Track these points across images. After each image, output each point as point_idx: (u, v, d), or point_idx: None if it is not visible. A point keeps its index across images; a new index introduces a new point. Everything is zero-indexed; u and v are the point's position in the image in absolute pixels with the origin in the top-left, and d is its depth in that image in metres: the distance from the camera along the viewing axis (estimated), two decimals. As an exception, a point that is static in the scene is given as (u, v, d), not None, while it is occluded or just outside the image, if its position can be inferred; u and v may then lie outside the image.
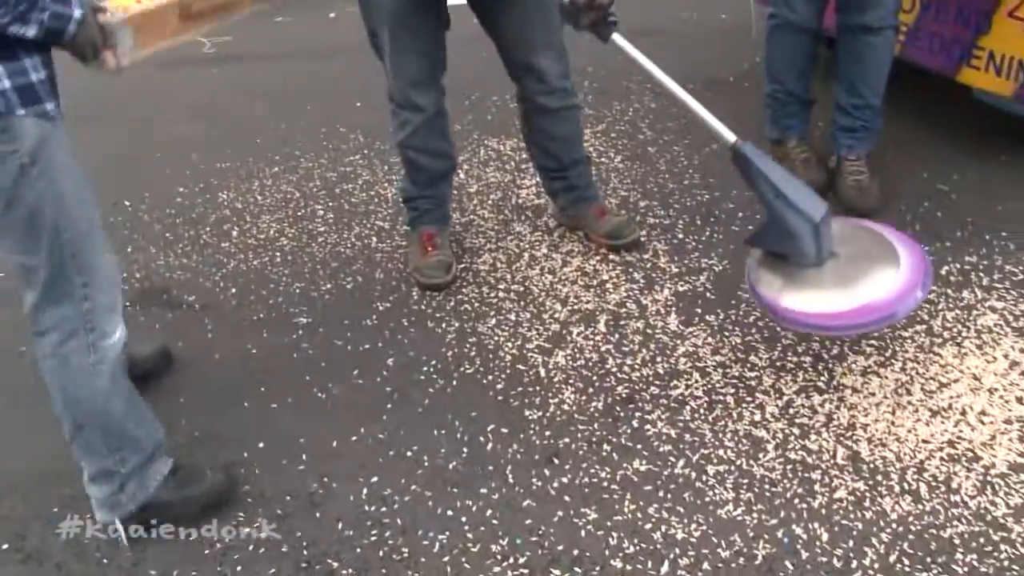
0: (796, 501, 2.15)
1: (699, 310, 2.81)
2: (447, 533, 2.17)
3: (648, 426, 2.41)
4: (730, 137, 2.47)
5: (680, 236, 3.17)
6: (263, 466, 2.42)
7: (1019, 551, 1.97)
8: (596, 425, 2.43)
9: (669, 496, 2.20)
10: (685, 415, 2.43)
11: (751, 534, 2.08)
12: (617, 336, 2.74)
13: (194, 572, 2.14)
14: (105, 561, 2.19)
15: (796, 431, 2.34)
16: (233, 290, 3.18)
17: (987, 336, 2.57)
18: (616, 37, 2.50)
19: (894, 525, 2.06)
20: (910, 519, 2.07)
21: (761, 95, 3.44)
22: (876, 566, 1.97)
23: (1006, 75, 3.11)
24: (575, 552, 2.09)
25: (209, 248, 3.44)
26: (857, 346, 2.58)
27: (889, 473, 2.19)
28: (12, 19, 1.69)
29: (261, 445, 2.49)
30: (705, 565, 2.02)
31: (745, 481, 2.22)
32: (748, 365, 2.57)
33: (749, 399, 2.45)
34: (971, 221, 3.06)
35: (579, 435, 2.41)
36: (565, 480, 2.28)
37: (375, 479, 2.34)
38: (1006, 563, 1.95)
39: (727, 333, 2.70)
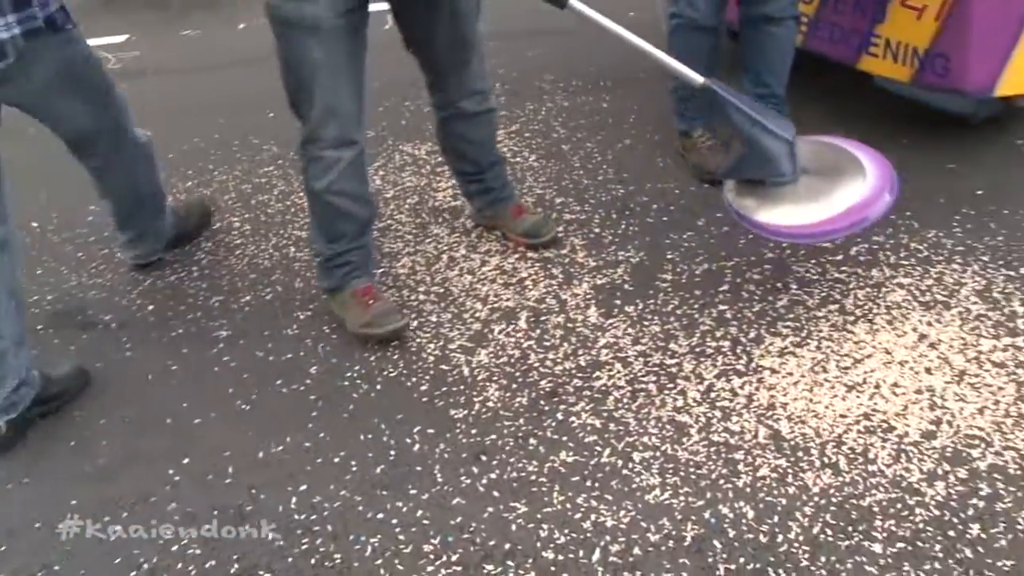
0: (721, 482, 2.19)
1: (618, 302, 2.85)
2: (379, 536, 2.17)
3: (573, 418, 2.43)
4: (698, 79, 2.58)
5: (597, 230, 3.21)
6: (190, 481, 2.39)
7: (933, 513, 2.04)
8: (522, 420, 2.45)
9: (597, 485, 2.23)
10: (609, 405, 2.46)
11: (679, 517, 2.12)
12: (538, 332, 2.77)
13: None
14: None
15: (718, 414, 2.38)
16: (150, 307, 3.13)
17: (896, 312, 2.65)
18: (573, 1, 2.51)
19: (816, 498, 2.11)
20: (831, 491, 2.13)
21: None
22: (801, 539, 2.02)
23: (903, 61, 3.20)
24: (507, 546, 2.10)
25: (124, 266, 3.37)
26: (774, 328, 2.64)
27: (809, 449, 2.24)
28: None
29: (186, 461, 2.46)
30: (636, 550, 2.05)
31: (671, 466, 2.25)
32: (668, 353, 2.61)
33: (671, 386, 2.49)
34: (877, 201, 3.14)
35: (505, 431, 2.42)
36: (493, 476, 2.29)
37: (303, 487, 2.33)
38: (921, 525, 2.01)
39: (646, 323, 2.74)
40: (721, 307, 2.75)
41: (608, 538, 2.08)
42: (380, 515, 2.22)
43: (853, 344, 2.55)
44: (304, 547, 2.16)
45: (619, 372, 2.56)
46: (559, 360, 2.64)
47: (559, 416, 2.44)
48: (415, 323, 2.86)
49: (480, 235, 3.26)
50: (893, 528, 2.01)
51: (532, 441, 2.38)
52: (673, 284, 2.88)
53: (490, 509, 2.20)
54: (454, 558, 2.09)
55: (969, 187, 3.16)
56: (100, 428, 2.61)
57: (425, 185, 3.66)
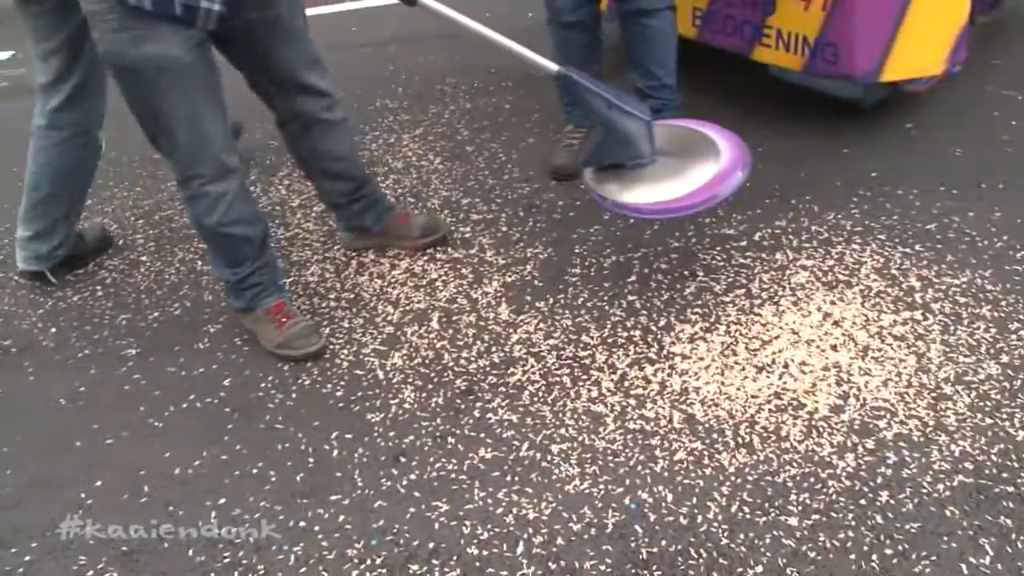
0: (639, 468, 2.22)
1: (528, 298, 2.87)
2: (301, 544, 2.15)
3: (490, 414, 2.44)
4: (553, 68, 2.63)
5: (504, 229, 3.23)
6: (104, 504, 2.33)
7: (844, 484, 2.10)
8: (439, 420, 2.45)
9: (517, 479, 2.24)
10: (524, 400, 2.47)
11: (599, 505, 2.14)
12: (451, 331, 2.77)
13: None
14: None
15: (632, 402, 2.41)
16: (53, 329, 3.04)
17: (801, 293, 2.72)
18: None
19: (733, 478, 2.16)
20: (747, 470, 2.17)
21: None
22: (720, 518, 2.06)
23: (794, 51, 3.29)
24: (431, 545, 2.10)
25: (23, 288, 3.28)
26: (683, 315, 2.69)
27: (723, 430, 2.29)
28: None
29: (99, 484, 2.40)
30: (559, 540, 2.07)
31: (588, 456, 2.28)
32: (581, 345, 2.64)
33: (585, 377, 2.52)
34: (778, 188, 3.22)
35: (423, 431, 2.42)
36: (414, 477, 2.29)
37: (222, 501, 2.29)
38: (834, 496, 2.08)
39: (558, 317, 2.76)
40: (630, 297, 2.79)
41: (531, 531, 2.10)
42: (302, 523, 2.20)
43: (760, 327, 2.61)
44: (226, 561, 2.13)
45: (533, 367, 2.58)
46: (473, 358, 2.65)
47: (476, 413, 2.45)
48: (327, 330, 2.84)
49: (390, 239, 3.25)
50: (808, 501, 2.07)
51: (450, 440, 2.38)
52: (582, 278, 2.92)
53: (412, 510, 2.19)
54: (378, 561, 2.08)
55: (864, 170, 3.26)
56: (3, 458, 2.54)
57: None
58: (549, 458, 2.28)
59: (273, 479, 2.34)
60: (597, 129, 2.70)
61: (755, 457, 2.20)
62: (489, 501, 2.19)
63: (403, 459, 2.34)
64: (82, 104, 3.01)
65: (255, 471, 2.37)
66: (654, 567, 1.98)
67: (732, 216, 3.09)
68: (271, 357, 2.75)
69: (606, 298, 2.80)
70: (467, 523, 2.14)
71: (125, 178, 3.99)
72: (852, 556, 1.95)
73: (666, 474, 2.20)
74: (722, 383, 2.43)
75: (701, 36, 3.57)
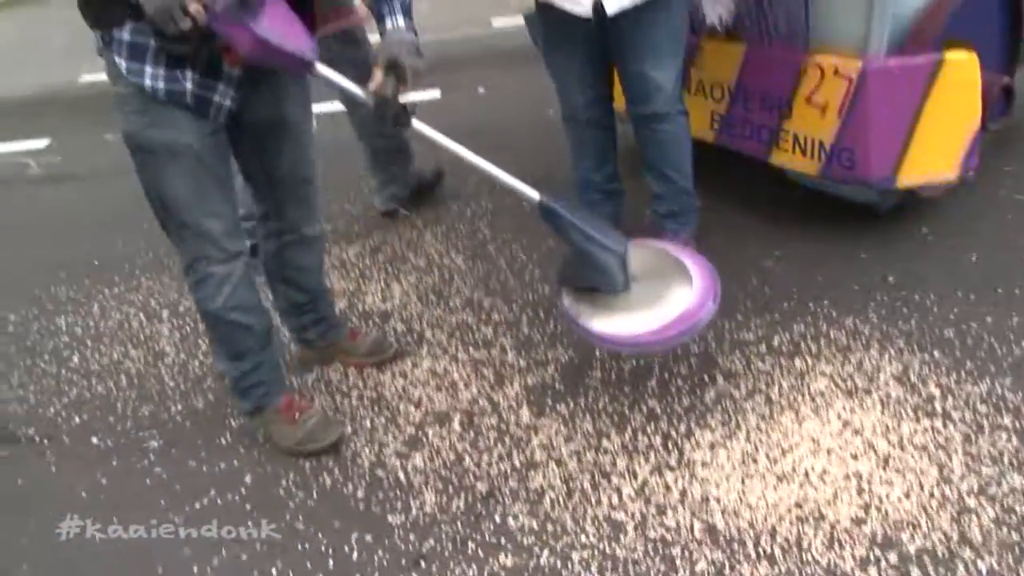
0: (659, 578, 2.22)
1: (550, 400, 2.88)
2: (319, 650, 2.14)
3: (510, 519, 2.44)
4: (535, 196, 2.65)
5: (526, 331, 3.26)
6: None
7: (867, 602, 2.09)
8: (459, 524, 2.45)
9: (537, 587, 2.24)
10: (545, 505, 2.48)
11: (620, 616, 2.13)
12: (472, 434, 2.79)
13: None
14: None
15: (653, 510, 2.41)
16: (77, 420, 3.08)
17: (820, 400, 2.73)
18: (416, 123, 2.55)
19: (753, 591, 2.15)
20: (768, 583, 2.17)
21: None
22: (740, 633, 2.05)
23: (810, 155, 3.35)
24: (450, 654, 2.09)
25: (48, 377, 3.32)
26: (703, 421, 2.70)
27: (744, 540, 2.28)
28: None
29: (117, 578, 2.41)
30: (578, 652, 2.06)
31: (609, 564, 2.27)
32: (601, 450, 2.64)
33: (605, 483, 2.52)
34: (796, 292, 3.25)
35: (443, 535, 2.42)
36: (434, 582, 2.29)
37: (240, 602, 2.30)
38: (857, 615, 2.06)
39: (579, 420, 2.78)
40: (650, 402, 2.81)
41: (551, 641, 2.09)
42: (320, 628, 2.20)
43: (781, 434, 2.61)
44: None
45: (554, 471, 2.59)
46: (494, 461, 2.66)
47: (496, 519, 2.45)
48: (349, 429, 2.86)
49: (414, 338, 3.28)
50: (829, 617, 2.06)
51: (471, 545, 2.38)
52: (602, 381, 2.94)
53: (431, 616, 2.19)
54: (397, 669, 2.07)
55: (881, 275, 3.29)
56: (19, 550, 2.55)
57: (354, 289, 3.68)
58: (570, 566, 2.28)
59: (292, 580, 2.35)
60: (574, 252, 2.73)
61: (776, 568, 2.20)
62: (509, 609, 2.18)
63: (423, 564, 2.34)
64: None
65: (274, 571, 2.37)
66: None
67: (751, 320, 3.11)
68: (294, 455, 2.77)
69: (626, 403, 2.82)
70: (487, 632, 2.14)
71: (150, 268, 4.05)
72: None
73: (687, 585, 2.19)
74: (742, 492, 2.43)
75: (719, 139, 3.64)
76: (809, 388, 2.78)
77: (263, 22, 2.20)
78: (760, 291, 3.28)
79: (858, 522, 2.30)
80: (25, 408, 3.17)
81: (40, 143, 5.87)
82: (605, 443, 2.67)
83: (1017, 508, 2.29)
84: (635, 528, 2.36)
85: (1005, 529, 2.23)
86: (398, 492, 2.59)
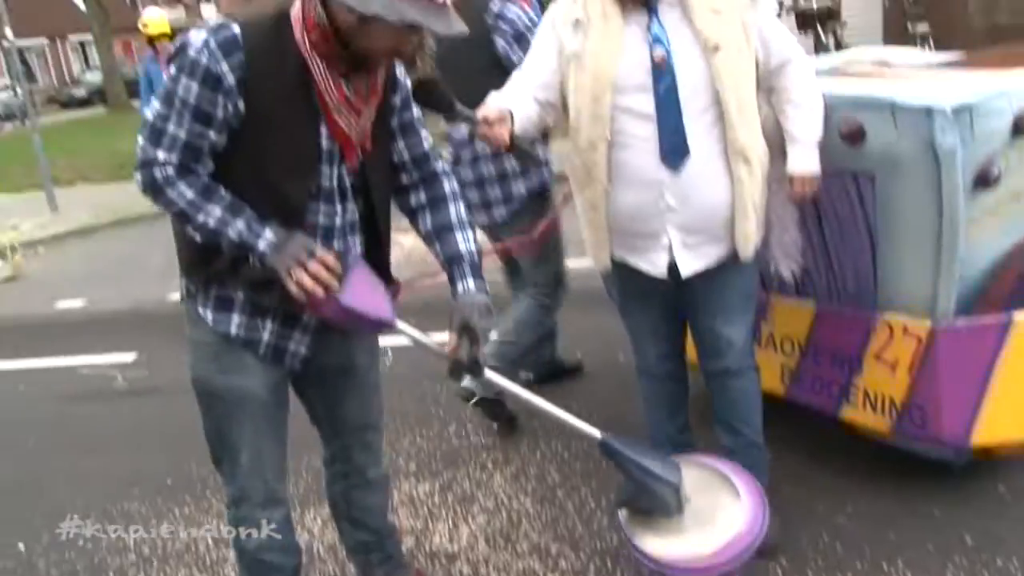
0: None
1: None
2: None
3: None
4: (596, 434, 2.73)
5: (593, 581, 3.21)
6: None
7: None
8: None
9: None
10: None
11: None
12: None
13: None
14: None
15: None
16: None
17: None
18: (488, 372, 2.62)
19: None
20: None
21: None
22: None
23: (881, 412, 3.35)
24: None
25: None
26: None
27: None
28: None
29: None
30: None
31: None
32: None
33: None
34: (868, 552, 3.18)
35: None
36: None
37: None
38: None
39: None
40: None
41: None
42: None
43: None
44: None
45: None
46: None
47: None
48: None
49: (477, 578, 3.26)
50: None
51: None
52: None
53: None
54: None
55: (957, 535, 3.21)
56: None
57: (422, 528, 3.68)
58: None
59: None
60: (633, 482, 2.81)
61: None
62: None
63: None
64: None
65: None
66: None
67: (822, 579, 3.05)
68: None
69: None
70: None
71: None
72: None
73: None
74: None
75: (789, 394, 3.67)
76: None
77: (348, 290, 2.33)
78: (832, 549, 3.22)
79: None
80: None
81: (128, 357, 6.12)
82: None
83: None
84: None
85: None
86: None
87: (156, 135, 2.29)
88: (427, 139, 2.63)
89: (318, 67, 2.29)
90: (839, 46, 9.89)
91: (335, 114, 2.34)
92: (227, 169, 2.35)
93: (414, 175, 2.63)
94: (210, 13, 58.08)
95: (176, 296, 2.58)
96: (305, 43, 2.27)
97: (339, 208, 2.47)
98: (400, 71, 2.54)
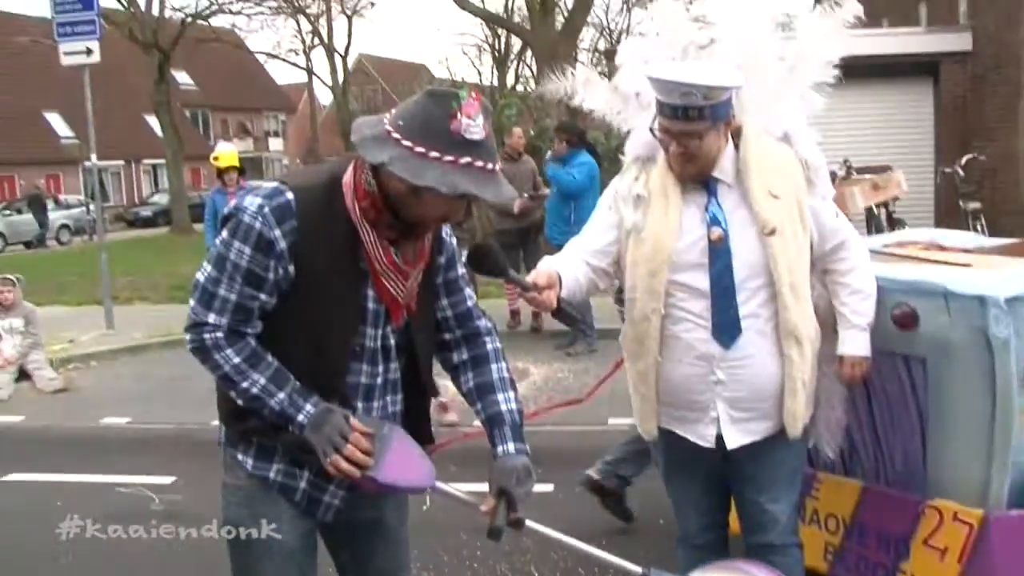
0: None
1: None
2: None
3: None
4: (637, 569, 2.64)
5: None
6: None
7: None
8: None
9: None
10: None
11: None
12: None
13: None
14: None
15: None
16: None
17: None
18: (529, 522, 2.56)
19: None
20: None
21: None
22: None
23: (929, 600, 3.26)
24: None
25: None
26: None
27: None
28: None
29: None
30: None
31: None
32: None
33: None
34: None
35: None
36: None
37: None
38: None
39: None
40: None
41: None
42: None
43: None
44: None
45: None
46: None
47: None
48: None
49: None
50: None
51: None
52: None
53: None
54: None
55: None
56: None
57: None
58: None
59: None
60: None
61: None
62: None
63: None
64: None
65: None
66: None
67: None
68: None
69: None
70: None
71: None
72: None
73: None
74: None
75: (832, 572, 3.60)
76: None
77: (384, 467, 2.34)
78: None
79: None
80: None
81: (166, 479, 6.12)
82: None
83: None
84: None
85: None
86: None
87: (207, 298, 2.34)
88: (471, 297, 2.66)
89: (367, 233, 2.34)
90: (891, 219, 9.96)
91: (382, 277, 2.39)
92: (273, 327, 2.40)
93: (457, 332, 2.65)
94: (277, 146, 60.69)
95: (217, 422, 2.61)
96: (355, 210, 2.33)
97: (381, 368, 2.50)
98: (445, 230, 2.59)
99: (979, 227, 9.68)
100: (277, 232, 2.28)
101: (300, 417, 2.33)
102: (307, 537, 2.57)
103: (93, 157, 11.36)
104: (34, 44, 30.61)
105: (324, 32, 45.90)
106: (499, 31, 38.45)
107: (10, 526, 5.37)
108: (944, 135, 12.66)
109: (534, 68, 31.52)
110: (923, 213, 11.89)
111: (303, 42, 48.46)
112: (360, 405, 2.45)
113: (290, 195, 2.31)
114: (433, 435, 2.70)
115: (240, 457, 2.48)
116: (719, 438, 3.00)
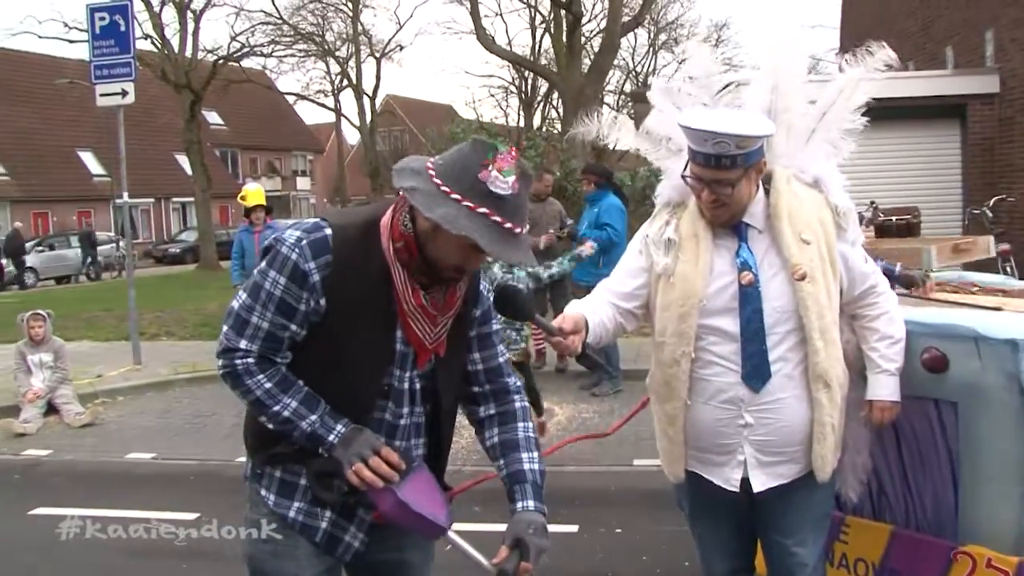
0: None
1: None
2: None
3: None
4: None
5: None
6: None
7: None
8: None
9: None
10: None
11: None
12: None
13: None
14: None
15: None
16: None
17: None
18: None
19: None
20: None
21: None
22: None
23: None
24: None
25: None
26: None
27: None
28: None
29: None
30: None
31: None
32: None
33: None
34: None
35: None
36: None
37: None
38: None
39: None
40: None
41: None
42: None
43: None
44: None
45: None
46: None
47: None
48: None
49: None
50: None
51: None
52: None
53: None
54: None
55: None
56: None
57: None
58: None
59: None
60: None
61: None
62: None
63: None
64: None
65: None
66: None
67: None
68: None
69: None
70: None
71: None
72: None
73: None
74: None
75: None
76: None
77: (407, 487, 2.36)
78: None
79: None
80: None
81: (190, 515, 6.12)
82: None
83: None
84: None
85: None
86: None
87: (240, 325, 2.39)
88: (503, 353, 2.68)
89: (399, 274, 2.38)
90: (918, 262, 9.92)
91: (410, 319, 2.41)
92: (302, 359, 2.44)
93: (486, 387, 2.66)
94: (305, 185, 61.18)
95: (242, 458, 2.61)
96: (390, 250, 2.37)
97: (406, 410, 2.51)
98: (484, 285, 2.61)
99: (1008, 268, 9.58)
100: (312, 265, 2.32)
101: (331, 437, 2.36)
102: (327, 574, 2.56)
103: (125, 195, 11.51)
104: (71, 85, 31.24)
105: (353, 74, 46.45)
106: (526, 73, 38.82)
107: (36, 560, 5.39)
108: (971, 176, 12.59)
109: (560, 110, 31.78)
110: (951, 255, 11.79)
111: (332, 83, 49.11)
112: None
113: (328, 231, 2.36)
114: (448, 485, 2.69)
115: (263, 492, 2.50)
116: (745, 481, 2.98)
